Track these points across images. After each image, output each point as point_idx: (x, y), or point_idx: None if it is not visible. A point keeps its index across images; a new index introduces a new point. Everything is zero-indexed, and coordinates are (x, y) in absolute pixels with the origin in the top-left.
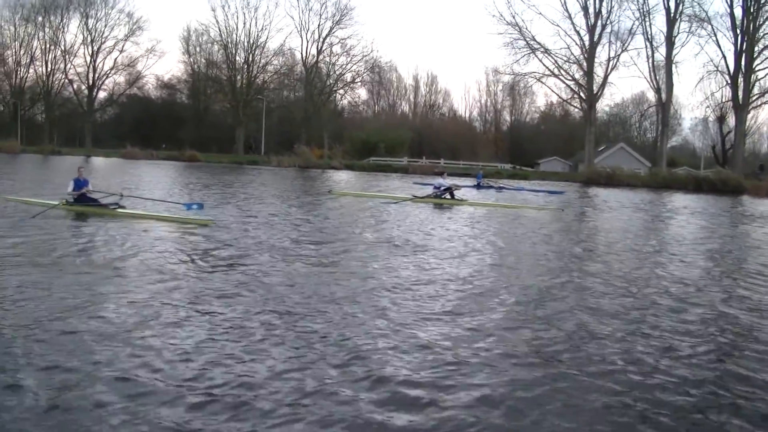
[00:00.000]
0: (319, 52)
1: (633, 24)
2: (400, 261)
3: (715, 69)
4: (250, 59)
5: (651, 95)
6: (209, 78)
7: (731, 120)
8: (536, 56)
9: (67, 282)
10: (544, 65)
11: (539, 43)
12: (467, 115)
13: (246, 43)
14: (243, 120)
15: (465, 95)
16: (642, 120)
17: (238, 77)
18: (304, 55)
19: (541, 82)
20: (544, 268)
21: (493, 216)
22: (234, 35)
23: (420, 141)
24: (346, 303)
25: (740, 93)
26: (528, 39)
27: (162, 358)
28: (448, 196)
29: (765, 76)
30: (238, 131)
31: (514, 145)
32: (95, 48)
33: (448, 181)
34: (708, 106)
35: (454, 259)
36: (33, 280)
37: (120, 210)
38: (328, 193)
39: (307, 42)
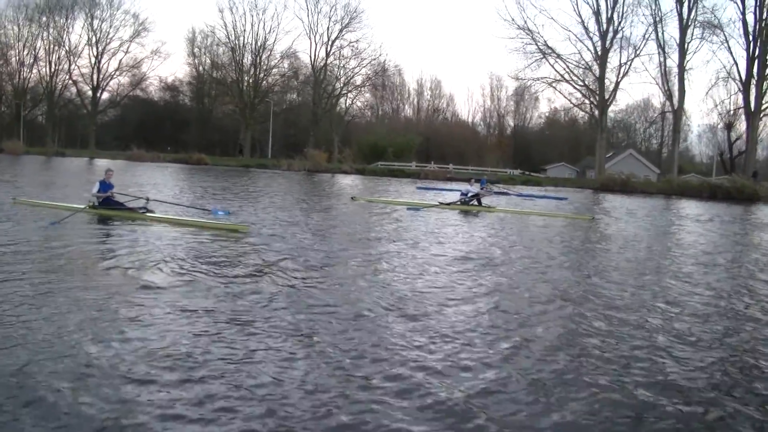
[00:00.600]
0: (328, 54)
1: (646, 30)
2: (449, 272)
3: (727, 75)
4: (258, 61)
5: (656, 101)
6: (215, 80)
7: (740, 127)
8: (548, 61)
9: (105, 290)
10: (556, 70)
11: (551, 48)
12: (470, 119)
13: (253, 45)
14: (250, 123)
15: (468, 100)
16: (648, 127)
17: (245, 79)
18: (312, 57)
19: (553, 87)
20: (586, 279)
21: (525, 224)
22: (242, 37)
23: (427, 146)
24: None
25: (752, 100)
26: (539, 44)
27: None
28: (476, 203)
29: None
30: (244, 134)
31: (519, 151)
32: (100, 49)
33: (475, 188)
34: (720, 114)
35: (493, 267)
36: (67, 287)
37: (150, 214)
38: (351, 199)
39: (316, 45)
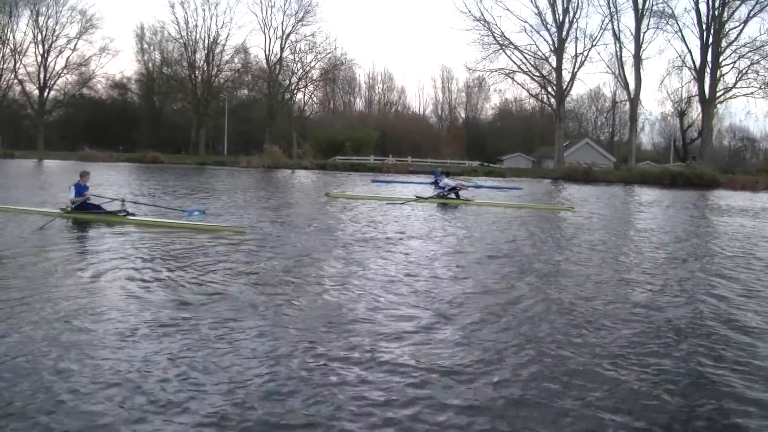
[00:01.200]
0: (283, 49)
1: (602, 20)
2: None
3: (682, 64)
4: (210, 57)
5: (607, 91)
6: (169, 77)
7: (691, 115)
8: (505, 52)
9: (88, 300)
10: (513, 61)
11: (508, 39)
12: (421, 111)
13: (206, 41)
14: (204, 120)
15: (419, 92)
16: (598, 116)
17: (198, 76)
18: (267, 52)
19: (511, 78)
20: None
21: (507, 216)
22: (194, 33)
23: (383, 139)
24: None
25: (707, 88)
26: (496, 35)
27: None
28: (453, 196)
29: (729, 70)
30: (196, 131)
31: (473, 142)
32: (46, 47)
33: (453, 181)
34: (673, 102)
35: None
36: (51, 298)
37: (131, 217)
38: (326, 195)
39: (270, 39)
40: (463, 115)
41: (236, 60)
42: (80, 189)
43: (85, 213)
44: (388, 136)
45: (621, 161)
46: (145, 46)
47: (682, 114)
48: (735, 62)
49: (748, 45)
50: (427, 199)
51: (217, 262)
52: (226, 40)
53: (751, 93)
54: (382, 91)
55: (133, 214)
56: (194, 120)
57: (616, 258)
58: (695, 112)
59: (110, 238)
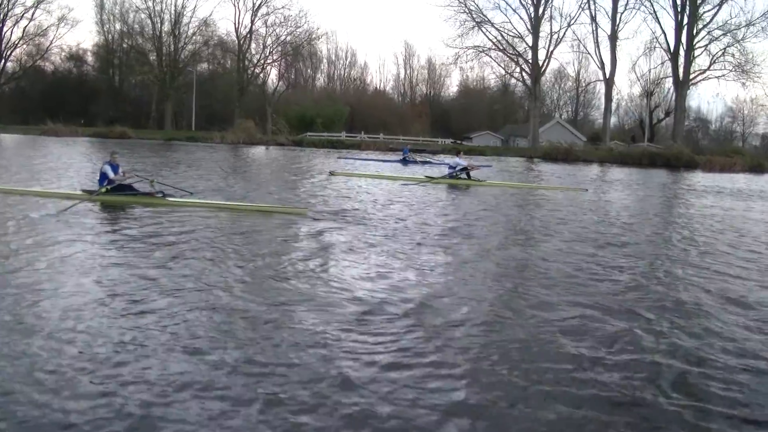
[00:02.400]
0: (253, 21)
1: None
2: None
3: (655, 46)
4: (177, 29)
5: (571, 71)
6: (133, 48)
7: (659, 96)
8: (481, 30)
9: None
10: (489, 38)
11: (484, 16)
12: (382, 88)
13: (172, 12)
14: (169, 93)
15: (380, 68)
16: (561, 95)
17: (163, 48)
18: (237, 25)
19: (488, 55)
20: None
21: (522, 197)
22: (160, 3)
23: (351, 116)
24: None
25: (680, 70)
26: (473, 12)
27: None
28: (464, 176)
29: (701, 53)
30: (156, 106)
31: (436, 120)
32: (1, 15)
33: (464, 161)
34: (646, 83)
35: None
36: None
37: (171, 199)
38: (329, 174)
39: (240, 11)
40: (424, 92)
41: (204, 32)
42: (115, 168)
43: (119, 195)
44: (356, 113)
45: (589, 140)
46: (105, 16)
47: (649, 95)
48: (707, 45)
49: (720, 28)
50: (438, 179)
51: (291, 246)
52: (194, 12)
53: (723, 75)
54: (345, 66)
55: (172, 196)
56: (155, 94)
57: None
58: (661, 93)
59: (161, 221)
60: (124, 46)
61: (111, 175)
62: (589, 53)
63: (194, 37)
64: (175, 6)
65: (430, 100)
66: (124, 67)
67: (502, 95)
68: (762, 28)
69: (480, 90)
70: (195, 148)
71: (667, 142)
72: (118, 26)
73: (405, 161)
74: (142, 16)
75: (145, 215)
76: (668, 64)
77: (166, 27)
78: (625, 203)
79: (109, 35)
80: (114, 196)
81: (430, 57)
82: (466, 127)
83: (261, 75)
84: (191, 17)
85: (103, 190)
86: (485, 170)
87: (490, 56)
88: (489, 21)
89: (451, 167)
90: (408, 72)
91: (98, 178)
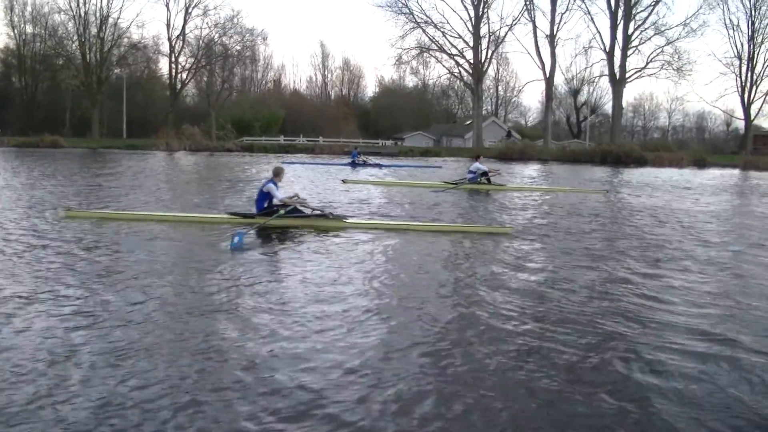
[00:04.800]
0: (186, 22)
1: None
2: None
3: (589, 46)
4: (104, 32)
5: (491, 71)
6: (55, 51)
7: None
8: (423, 30)
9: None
10: (430, 38)
11: (428, 17)
12: (303, 90)
13: (98, 13)
14: (98, 99)
15: (293, 69)
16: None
17: (89, 52)
18: (170, 26)
19: (433, 56)
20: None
21: (545, 201)
22: (86, 4)
23: (285, 119)
24: None
25: (616, 68)
26: (414, 12)
27: None
28: (485, 181)
29: (632, 53)
30: (73, 112)
31: (367, 121)
32: None
33: (484, 165)
34: (583, 82)
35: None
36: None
37: (351, 221)
38: (342, 182)
39: (170, 12)
40: (341, 94)
41: (134, 35)
42: (275, 188)
43: (293, 217)
44: (287, 116)
45: (534, 139)
46: (16, 19)
47: (576, 93)
48: (638, 45)
49: (652, 27)
50: (460, 185)
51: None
52: (120, 12)
53: (654, 73)
54: (263, 68)
55: (345, 217)
56: (69, 100)
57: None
58: (586, 91)
59: (362, 246)
60: (38, 49)
61: (279, 195)
62: (529, 53)
63: (122, 40)
64: (101, 7)
65: (351, 102)
66: (36, 73)
67: (419, 96)
68: (692, 28)
69: (399, 90)
70: (145, 157)
71: (602, 138)
72: (29, 29)
73: (354, 164)
74: (63, 17)
75: (342, 241)
76: (604, 63)
77: (92, 29)
78: (652, 204)
79: (21, 38)
80: (287, 219)
81: (346, 58)
82: (394, 127)
83: (194, 79)
84: (118, 18)
85: (282, 212)
86: (419, 170)
87: (435, 57)
88: (431, 21)
89: (471, 172)
90: (322, 73)
91: (257, 197)
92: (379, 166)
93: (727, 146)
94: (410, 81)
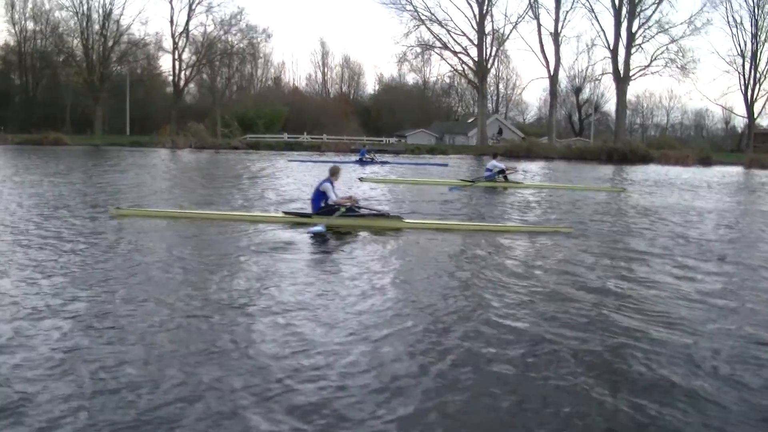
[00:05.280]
0: (190, 19)
1: None
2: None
3: (593, 44)
4: (107, 28)
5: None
6: (58, 48)
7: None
8: (427, 27)
9: None
10: (434, 35)
11: (433, 14)
12: (295, 86)
13: (101, 9)
14: (101, 97)
15: (293, 66)
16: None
17: (92, 48)
18: (173, 23)
19: (438, 53)
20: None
21: (560, 198)
22: (87, 1)
23: (287, 116)
24: None
25: (620, 66)
26: (420, 9)
27: None
28: (503, 179)
29: (636, 51)
30: (92, 109)
31: (367, 119)
32: None
33: (501, 163)
34: (587, 80)
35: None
36: None
37: (411, 221)
38: (359, 180)
39: (173, 9)
40: (341, 91)
41: (137, 31)
42: (331, 188)
43: (352, 218)
44: (290, 113)
45: (535, 136)
46: (17, 16)
47: (578, 91)
48: (641, 43)
49: (656, 25)
50: (478, 182)
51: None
52: (123, 9)
53: (658, 71)
54: (263, 65)
55: (400, 218)
56: (69, 98)
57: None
58: (588, 89)
59: (432, 245)
60: (40, 46)
61: (333, 196)
62: (533, 51)
63: (125, 37)
64: (103, 4)
65: (351, 99)
66: (37, 70)
67: (419, 93)
68: (697, 27)
69: (399, 87)
70: (151, 155)
71: (603, 135)
72: (30, 25)
73: (362, 162)
74: (66, 14)
75: (402, 241)
76: (608, 60)
77: (95, 26)
78: (678, 203)
79: (22, 35)
80: (346, 219)
81: (345, 55)
82: (395, 125)
83: (197, 76)
84: (120, 14)
85: (343, 210)
86: (425, 168)
87: (441, 55)
88: (436, 19)
89: (488, 170)
90: (321, 70)
91: (312, 196)
92: (387, 163)
93: (725, 144)
94: (411, 79)
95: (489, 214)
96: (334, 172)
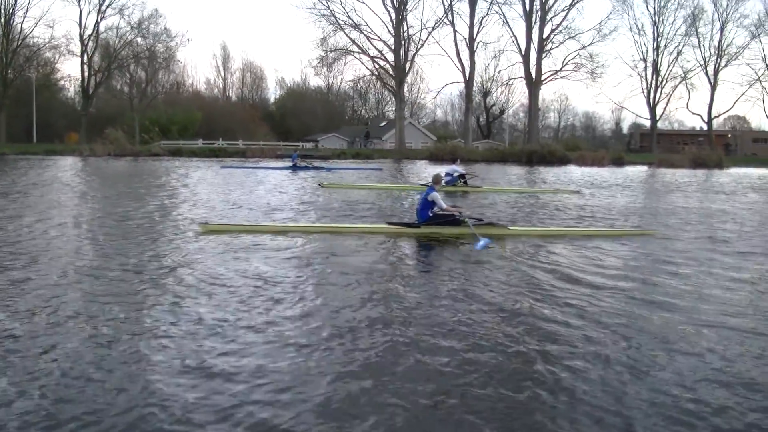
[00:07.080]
0: (98, 22)
1: (441, 2)
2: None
3: (503, 49)
4: (9, 32)
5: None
6: None
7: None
8: (344, 32)
9: None
10: (352, 40)
11: (350, 18)
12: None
13: (2, 11)
14: (5, 103)
15: (193, 70)
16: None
17: None
18: (81, 25)
19: (354, 56)
20: None
21: (524, 202)
22: None
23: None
24: None
25: (533, 71)
26: (338, 14)
27: None
28: (462, 183)
29: (545, 56)
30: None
31: (273, 123)
32: None
33: (461, 168)
34: (500, 84)
35: None
36: None
37: (517, 228)
38: (319, 186)
39: (81, 10)
40: (242, 96)
41: (42, 34)
42: (438, 197)
43: (434, 226)
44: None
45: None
46: None
47: (486, 94)
48: (551, 49)
49: (565, 32)
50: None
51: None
52: (26, 11)
53: (566, 75)
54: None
55: (505, 225)
56: None
57: None
58: (495, 93)
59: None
60: None
61: (442, 205)
62: (449, 56)
63: (30, 40)
64: (5, 6)
65: (254, 104)
66: None
67: (317, 97)
68: (604, 33)
69: (303, 92)
70: (77, 164)
71: (512, 138)
72: None
73: (295, 167)
74: None
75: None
76: (519, 65)
77: None
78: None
79: None
80: (454, 228)
81: (247, 60)
82: (303, 129)
83: (107, 81)
84: (24, 16)
85: (466, 221)
86: (359, 173)
87: (361, 60)
88: (354, 24)
89: (448, 174)
90: (226, 75)
91: (419, 206)
92: (321, 168)
93: (612, 145)
94: (313, 82)
95: (569, 218)
96: (437, 180)
